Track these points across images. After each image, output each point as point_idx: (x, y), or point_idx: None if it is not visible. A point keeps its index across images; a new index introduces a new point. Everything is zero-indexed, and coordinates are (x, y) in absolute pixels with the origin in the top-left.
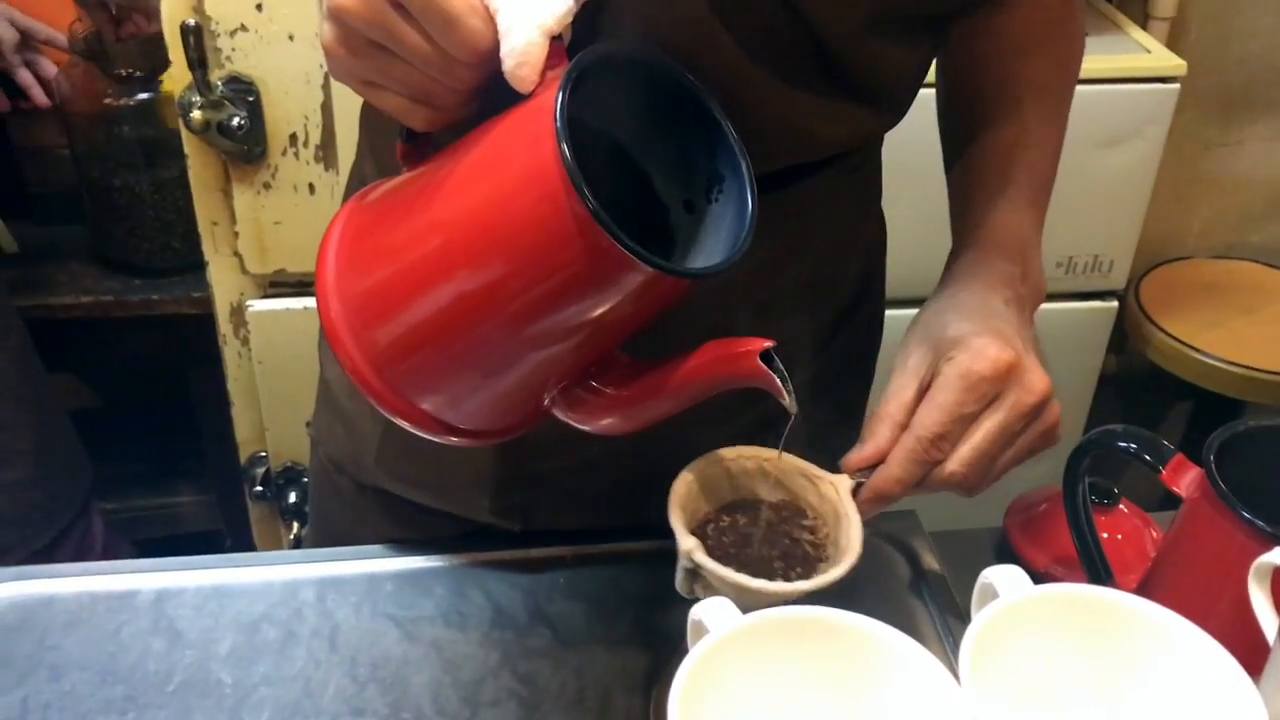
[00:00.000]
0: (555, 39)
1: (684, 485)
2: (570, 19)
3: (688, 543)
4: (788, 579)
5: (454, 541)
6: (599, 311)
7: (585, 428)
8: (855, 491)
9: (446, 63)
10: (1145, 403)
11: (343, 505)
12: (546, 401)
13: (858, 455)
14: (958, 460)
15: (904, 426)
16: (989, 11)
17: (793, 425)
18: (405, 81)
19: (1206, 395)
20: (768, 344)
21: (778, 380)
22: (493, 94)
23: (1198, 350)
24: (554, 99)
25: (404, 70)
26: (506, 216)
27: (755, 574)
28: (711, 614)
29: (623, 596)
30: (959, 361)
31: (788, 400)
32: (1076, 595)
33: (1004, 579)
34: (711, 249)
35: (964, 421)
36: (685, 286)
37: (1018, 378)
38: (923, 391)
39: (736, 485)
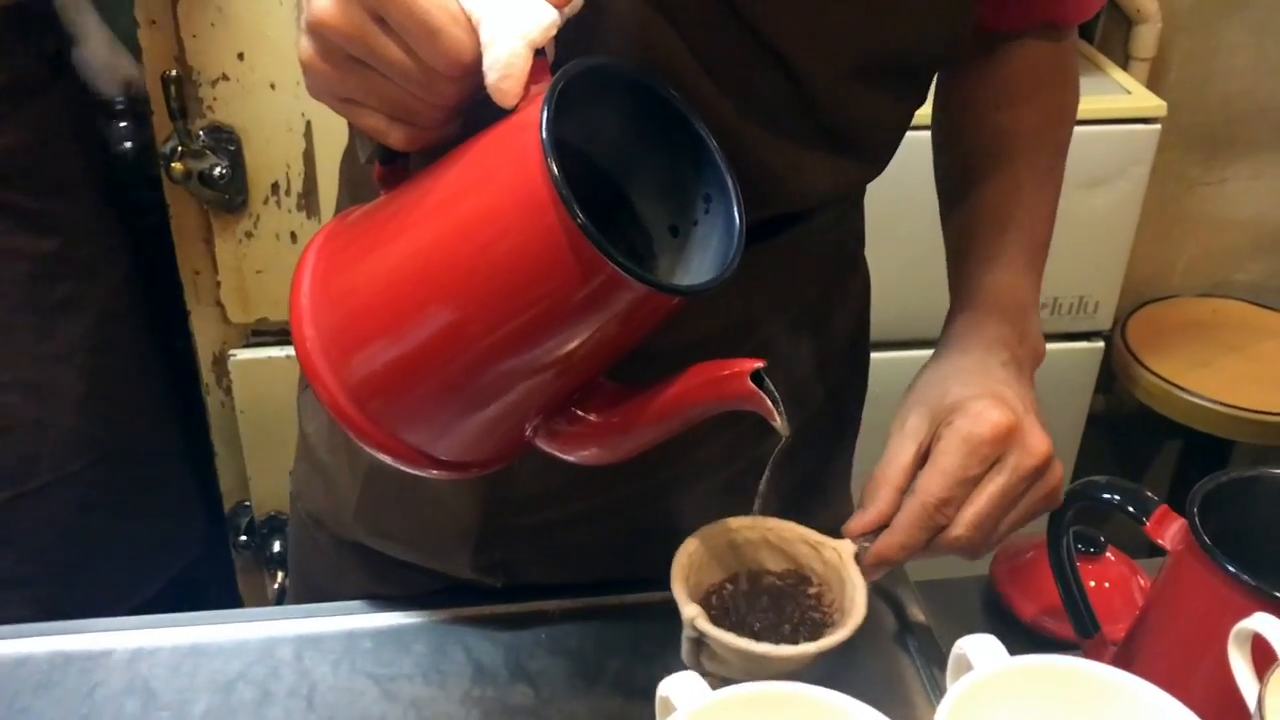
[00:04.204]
0: (539, 54)
1: (686, 556)
2: (555, 32)
3: (690, 610)
4: (795, 644)
5: (434, 597)
6: (585, 334)
7: (569, 458)
8: (858, 556)
9: (428, 77)
10: (1134, 442)
11: (322, 560)
12: (529, 430)
13: (859, 521)
14: (961, 524)
15: (903, 490)
16: (980, 63)
17: (778, 463)
18: (385, 97)
19: (1195, 434)
20: (758, 364)
21: (769, 401)
22: (474, 112)
23: (1185, 390)
24: (539, 113)
25: (384, 85)
26: (489, 236)
27: (762, 641)
28: (679, 690)
29: (605, 652)
30: (959, 425)
31: (779, 422)
32: (1052, 667)
33: (979, 650)
34: (698, 270)
35: (967, 485)
36: (673, 307)
37: (1019, 440)
38: (921, 455)
39: (740, 556)
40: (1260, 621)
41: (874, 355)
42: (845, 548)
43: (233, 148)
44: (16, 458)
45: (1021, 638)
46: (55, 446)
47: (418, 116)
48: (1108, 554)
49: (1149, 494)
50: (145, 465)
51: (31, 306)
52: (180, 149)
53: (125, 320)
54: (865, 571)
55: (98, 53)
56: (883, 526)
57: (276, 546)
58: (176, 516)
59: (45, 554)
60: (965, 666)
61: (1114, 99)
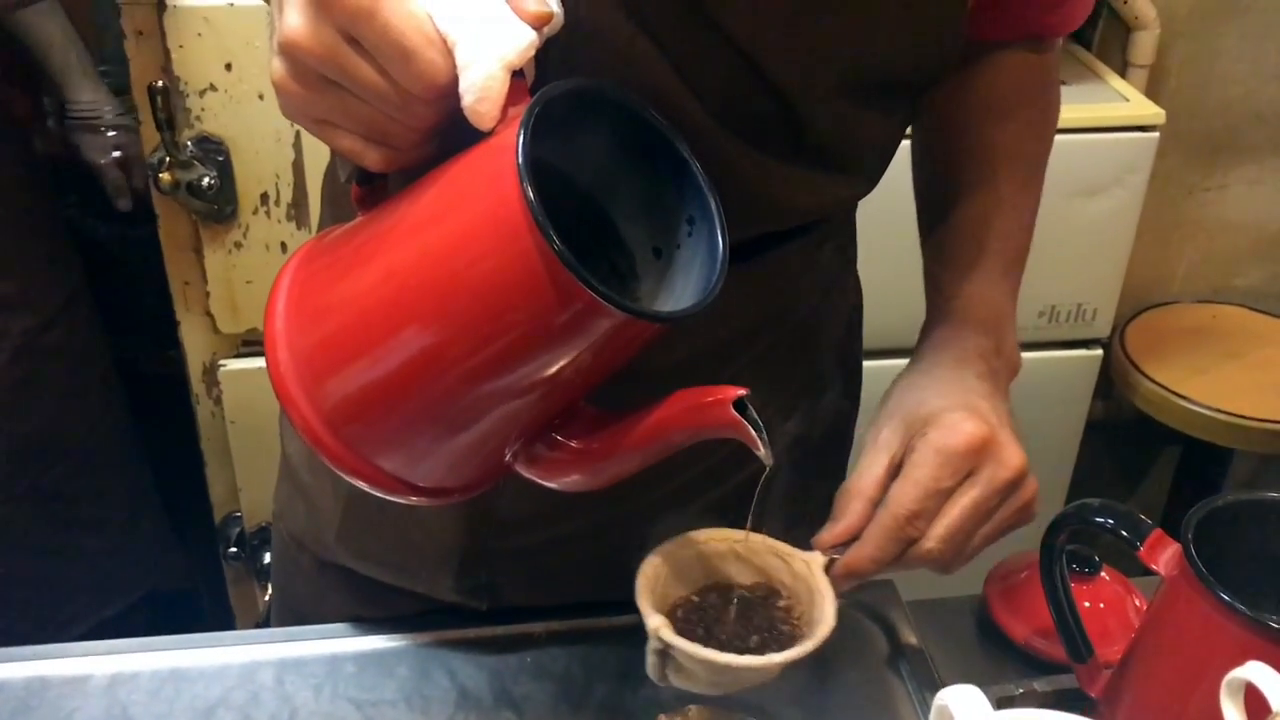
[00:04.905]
0: (517, 75)
1: (651, 568)
2: (533, 53)
3: (654, 620)
4: (761, 655)
5: (418, 620)
6: (564, 360)
7: (549, 484)
8: (828, 568)
9: (403, 99)
10: (1132, 450)
11: (304, 582)
12: (508, 456)
13: (830, 533)
14: (933, 537)
15: (875, 502)
16: (962, 73)
17: (772, 485)
18: (359, 119)
19: (1194, 442)
20: (741, 392)
21: (752, 430)
22: (451, 134)
23: (1184, 398)
24: (515, 136)
25: (358, 107)
26: (466, 260)
27: (728, 653)
28: None
29: (591, 675)
30: (933, 437)
31: (763, 452)
32: None
33: (961, 703)
34: (681, 293)
35: (939, 497)
36: (654, 332)
37: (993, 453)
38: (894, 467)
39: (708, 569)
40: (1253, 671)
41: (868, 364)
42: (815, 559)
43: (221, 158)
44: None
45: (1014, 659)
46: None
47: (393, 138)
48: (1102, 574)
49: (1143, 517)
50: (74, 504)
51: None
52: (168, 160)
53: (53, 355)
54: (835, 583)
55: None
56: (854, 538)
57: (267, 558)
58: (120, 555)
59: None
60: None
61: (1112, 106)
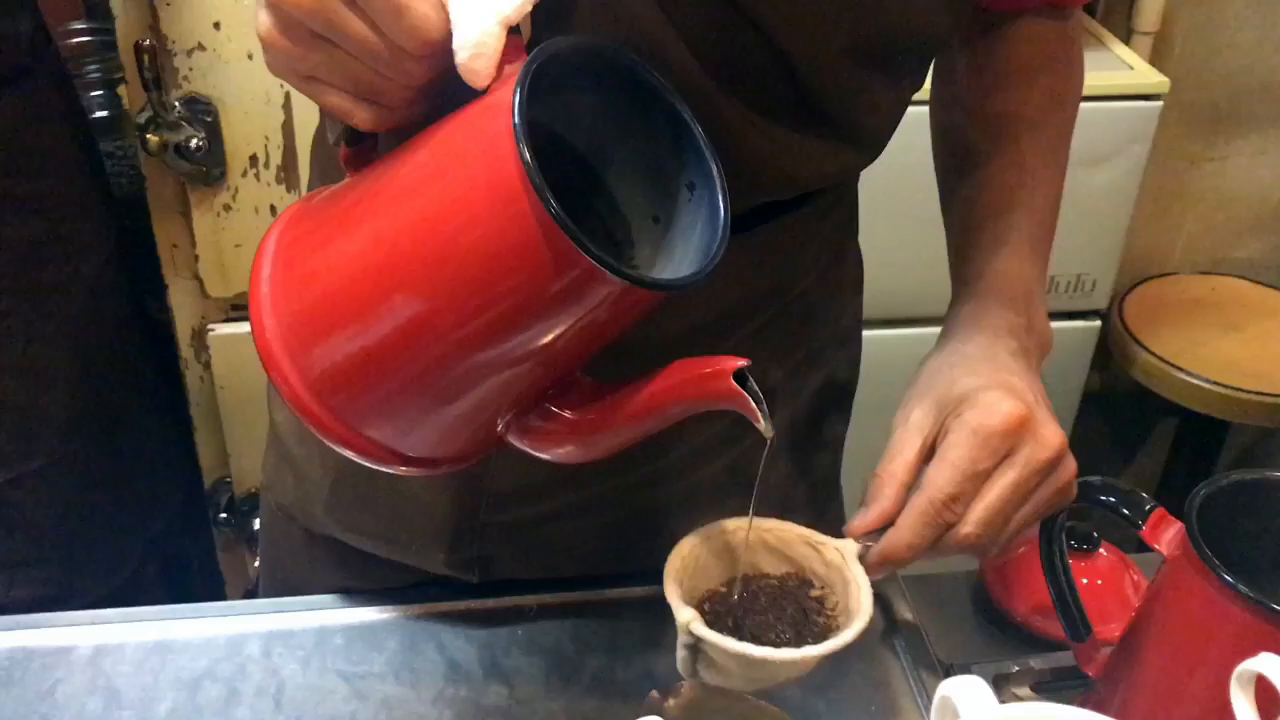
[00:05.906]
0: (513, 32)
1: (679, 559)
2: (529, 9)
3: (685, 614)
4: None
5: (408, 592)
6: (560, 328)
7: (543, 456)
8: (862, 555)
9: (394, 55)
10: (1129, 421)
11: (293, 553)
12: (501, 427)
13: (863, 519)
14: (971, 521)
15: (909, 487)
16: (981, 43)
17: (768, 458)
18: (349, 76)
19: (1191, 414)
20: (741, 363)
21: (752, 402)
22: (444, 92)
23: (1182, 370)
24: (511, 95)
25: (348, 63)
26: (458, 225)
27: (763, 646)
28: None
29: (583, 650)
30: (969, 418)
31: (763, 424)
32: (1041, 717)
33: (965, 695)
34: (680, 261)
35: (976, 480)
36: (653, 301)
37: (1031, 432)
38: (926, 449)
39: (737, 559)
40: (1266, 663)
41: (866, 333)
42: (848, 547)
43: (210, 119)
44: (13, 440)
45: (1011, 636)
46: (52, 427)
47: (384, 96)
48: (1101, 550)
49: (1144, 496)
50: (134, 436)
51: (21, 291)
52: (155, 120)
53: (112, 295)
54: (869, 571)
55: None
56: (888, 525)
57: (257, 524)
58: (163, 484)
59: (49, 533)
60: (950, 712)
61: (1116, 75)
